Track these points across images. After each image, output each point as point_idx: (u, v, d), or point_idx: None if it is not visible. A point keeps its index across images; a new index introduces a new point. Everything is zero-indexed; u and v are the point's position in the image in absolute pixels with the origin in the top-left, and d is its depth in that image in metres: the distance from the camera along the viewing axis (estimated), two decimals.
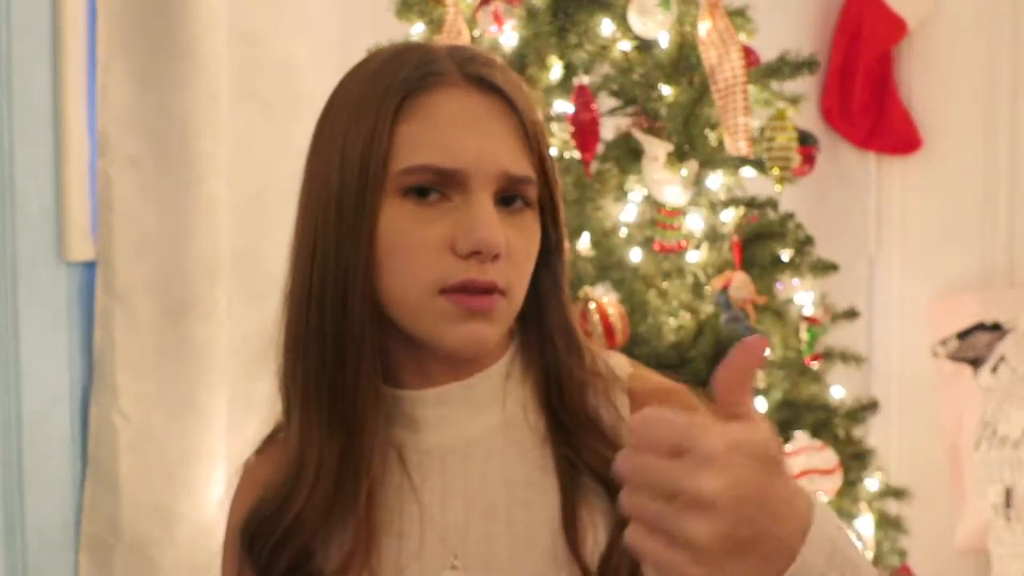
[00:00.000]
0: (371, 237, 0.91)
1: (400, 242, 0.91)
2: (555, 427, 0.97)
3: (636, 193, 1.98)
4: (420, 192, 0.91)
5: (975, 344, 2.99)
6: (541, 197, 0.95)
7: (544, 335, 0.99)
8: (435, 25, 2.03)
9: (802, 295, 2.05)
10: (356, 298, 0.92)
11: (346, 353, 0.93)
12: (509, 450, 0.97)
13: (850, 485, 2.02)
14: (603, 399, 0.98)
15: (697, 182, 1.98)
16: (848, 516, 2.05)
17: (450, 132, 0.91)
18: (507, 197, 0.93)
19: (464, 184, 0.91)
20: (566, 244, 1.02)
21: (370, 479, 0.94)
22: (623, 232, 2.00)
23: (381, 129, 0.91)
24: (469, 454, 0.97)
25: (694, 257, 1.98)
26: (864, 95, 3.27)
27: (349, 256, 0.92)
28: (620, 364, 1.01)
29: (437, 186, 0.91)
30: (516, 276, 0.93)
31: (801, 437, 1.94)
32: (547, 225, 0.97)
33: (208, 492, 2.48)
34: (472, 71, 0.93)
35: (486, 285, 0.90)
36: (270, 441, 1.05)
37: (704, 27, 1.94)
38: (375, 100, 0.93)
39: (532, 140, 0.94)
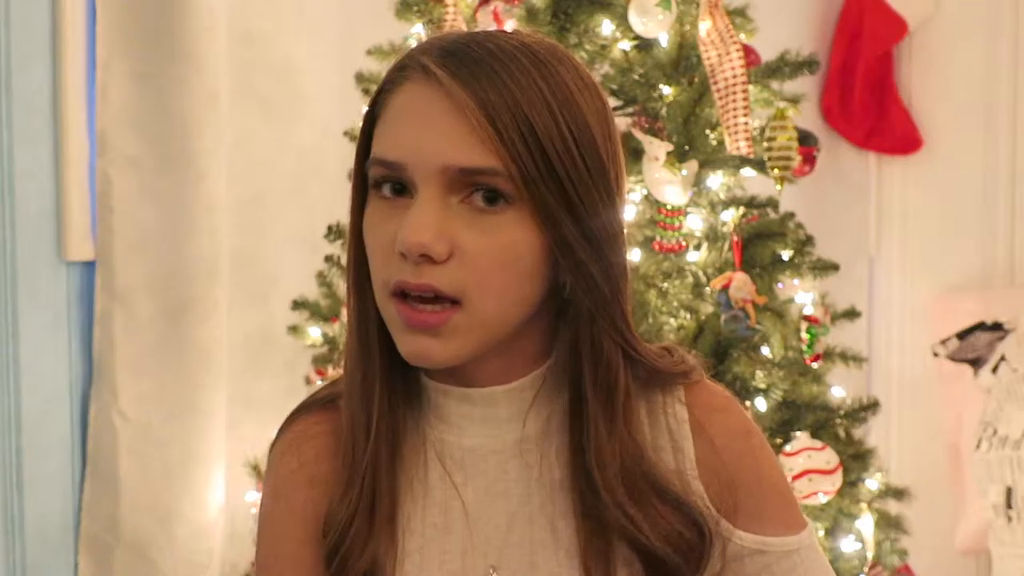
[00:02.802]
0: (360, 235, 0.93)
1: (369, 240, 0.91)
2: (579, 475, 0.92)
3: (636, 193, 1.98)
4: (396, 190, 0.89)
5: (975, 344, 2.99)
6: (534, 193, 0.86)
7: (574, 373, 0.92)
8: (435, 25, 2.03)
9: (802, 295, 2.05)
10: (358, 293, 0.94)
11: (362, 350, 0.94)
12: (538, 463, 0.95)
13: (850, 485, 2.02)
14: (657, 428, 0.95)
15: (697, 182, 1.97)
16: (848, 516, 2.05)
17: (397, 125, 0.89)
18: (488, 195, 0.86)
19: (411, 179, 0.87)
20: (606, 235, 0.89)
21: (399, 469, 0.94)
22: None
23: (363, 131, 0.93)
24: (512, 456, 0.95)
25: (694, 257, 1.98)
26: (864, 95, 3.26)
27: (354, 250, 0.94)
28: (679, 361, 0.97)
29: (393, 181, 0.88)
30: (475, 283, 0.86)
31: (801, 437, 1.94)
32: (557, 224, 0.87)
33: (208, 492, 2.48)
34: (432, 62, 0.88)
35: (418, 288, 0.86)
36: (320, 402, 1.01)
37: (704, 27, 1.94)
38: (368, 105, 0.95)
39: (506, 129, 0.85)
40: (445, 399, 0.96)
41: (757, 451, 0.97)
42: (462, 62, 0.87)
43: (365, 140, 0.93)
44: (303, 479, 0.97)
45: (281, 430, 1.01)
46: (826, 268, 2.08)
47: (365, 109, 0.94)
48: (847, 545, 2.04)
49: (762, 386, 1.92)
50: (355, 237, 0.93)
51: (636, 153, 1.95)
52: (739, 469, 0.95)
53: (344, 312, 2.09)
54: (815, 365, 2.03)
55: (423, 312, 0.87)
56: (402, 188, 0.88)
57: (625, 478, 0.91)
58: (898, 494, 2.16)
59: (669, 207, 1.95)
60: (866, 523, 2.06)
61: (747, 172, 2.03)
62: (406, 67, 0.90)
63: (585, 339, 0.91)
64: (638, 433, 0.93)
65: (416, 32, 2.11)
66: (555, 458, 0.94)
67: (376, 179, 0.90)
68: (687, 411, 0.95)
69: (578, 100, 0.89)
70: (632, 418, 0.93)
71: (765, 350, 1.97)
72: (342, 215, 2.15)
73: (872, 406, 2.09)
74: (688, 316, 1.95)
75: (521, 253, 0.87)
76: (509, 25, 1.93)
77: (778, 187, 1.98)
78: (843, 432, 2.04)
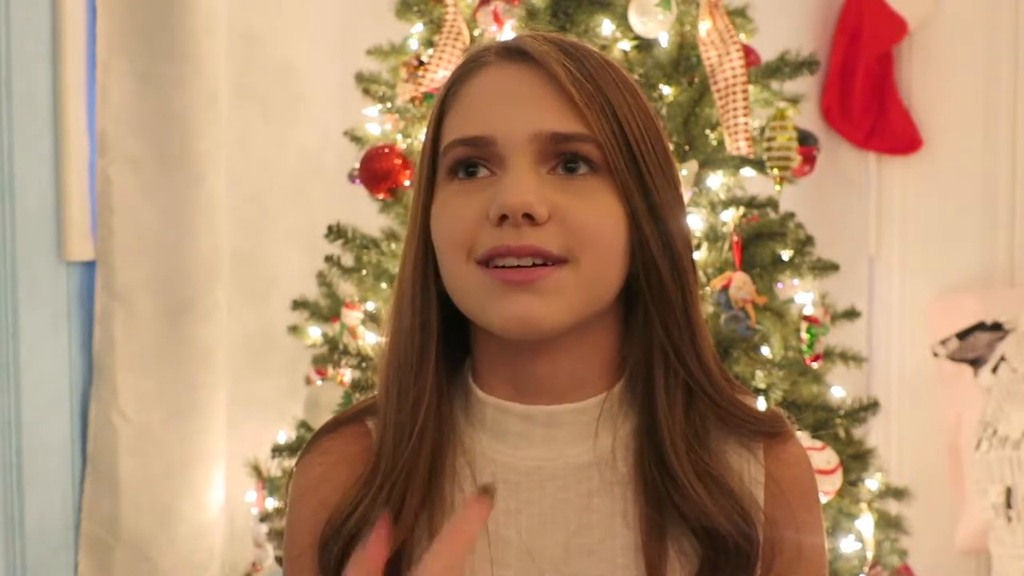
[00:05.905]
0: (427, 224, 0.91)
1: (443, 219, 0.89)
2: (649, 472, 0.89)
3: None
4: (468, 172, 0.88)
5: (975, 344, 2.99)
6: (615, 162, 0.88)
7: (648, 363, 0.91)
8: (435, 25, 2.02)
9: (802, 295, 2.05)
10: (422, 289, 0.92)
11: (418, 346, 0.91)
12: (600, 491, 0.91)
13: (850, 485, 2.02)
14: (733, 445, 0.92)
15: (697, 182, 1.98)
16: (848, 516, 2.05)
17: (481, 104, 0.90)
18: (569, 164, 0.88)
19: (500, 154, 0.87)
20: (676, 229, 0.91)
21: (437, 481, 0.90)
22: None
23: (431, 127, 0.93)
24: (573, 483, 0.90)
25: (694, 257, 1.98)
26: (864, 95, 3.26)
27: (416, 246, 0.92)
28: (772, 420, 0.95)
29: (475, 160, 0.88)
30: (579, 243, 0.86)
31: (801, 437, 1.94)
32: (632, 198, 0.88)
33: (207, 492, 2.48)
34: (509, 46, 0.91)
35: (520, 251, 0.84)
36: (349, 420, 0.98)
37: (704, 27, 1.94)
38: (434, 103, 0.95)
39: (589, 99, 0.87)
40: (504, 416, 0.92)
41: (814, 509, 0.96)
42: (552, 43, 0.90)
43: (433, 137, 0.92)
44: (314, 498, 0.94)
45: (307, 445, 0.99)
46: (826, 268, 2.08)
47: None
48: (847, 545, 2.03)
49: (762, 386, 1.92)
50: (420, 237, 0.92)
51: None
52: (794, 525, 0.93)
53: (345, 312, 2.09)
54: (815, 365, 2.03)
55: (521, 270, 0.85)
56: (476, 171, 0.88)
57: (692, 459, 0.89)
58: (898, 494, 2.16)
59: None
60: (866, 523, 2.06)
61: (747, 172, 2.03)
62: (479, 58, 0.92)
63: (657, 327, 0.90)
64: (703, 430, 0.92)
65: (416, 32, 2.11)
66: (617, 487, 0.91)
67: (454, 163, 0.89)
68: (764, 471, 0.93)
69: (642, 96, 0.93)
70: (702, 421, 0.92)
71: (765, 350, 1.97)
72: (342, 215, 2.16)
73: (872, 406, 2.09)
74: None
75: (615, 217, 0.88)
76: (509, 25, 1.93)
77: (778, 187, 1.98)
78: (843, 432, 2.04)
